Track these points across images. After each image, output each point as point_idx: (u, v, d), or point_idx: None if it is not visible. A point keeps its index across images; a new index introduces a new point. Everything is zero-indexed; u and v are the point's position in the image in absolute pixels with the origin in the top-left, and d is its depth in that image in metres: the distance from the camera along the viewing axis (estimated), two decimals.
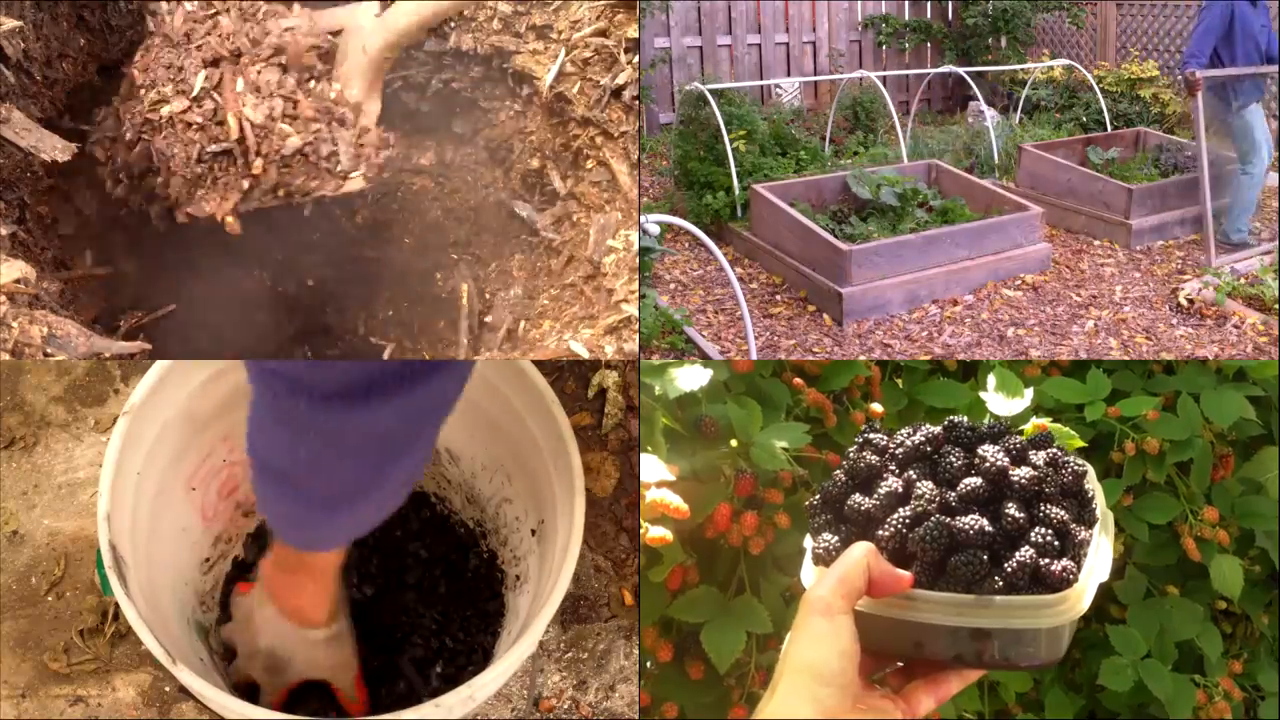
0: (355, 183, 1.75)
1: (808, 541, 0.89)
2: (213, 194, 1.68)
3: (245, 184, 1.68)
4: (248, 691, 1.51)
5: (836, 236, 3.06)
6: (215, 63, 1.70)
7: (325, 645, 1.46)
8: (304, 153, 1.69)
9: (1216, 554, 1.52)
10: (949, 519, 0.83)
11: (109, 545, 1.33)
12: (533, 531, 1.61)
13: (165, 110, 1.67)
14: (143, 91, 1.70)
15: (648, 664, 1.31)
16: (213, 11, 1.79)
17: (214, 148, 1.67)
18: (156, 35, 1.76)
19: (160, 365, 1.44)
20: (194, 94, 1.68)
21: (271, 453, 1.15)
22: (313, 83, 1.74)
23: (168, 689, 1.60)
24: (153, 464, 1.47)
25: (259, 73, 1.70)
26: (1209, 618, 1.60)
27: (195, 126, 1.66)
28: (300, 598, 1.42)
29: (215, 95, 1.68)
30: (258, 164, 1.67)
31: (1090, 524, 0.87)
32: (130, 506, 1.42)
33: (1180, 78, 3.30)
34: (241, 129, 1.65)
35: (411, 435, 1.14)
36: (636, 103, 1.91)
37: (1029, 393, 1.34)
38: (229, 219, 1.68)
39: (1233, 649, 1.70)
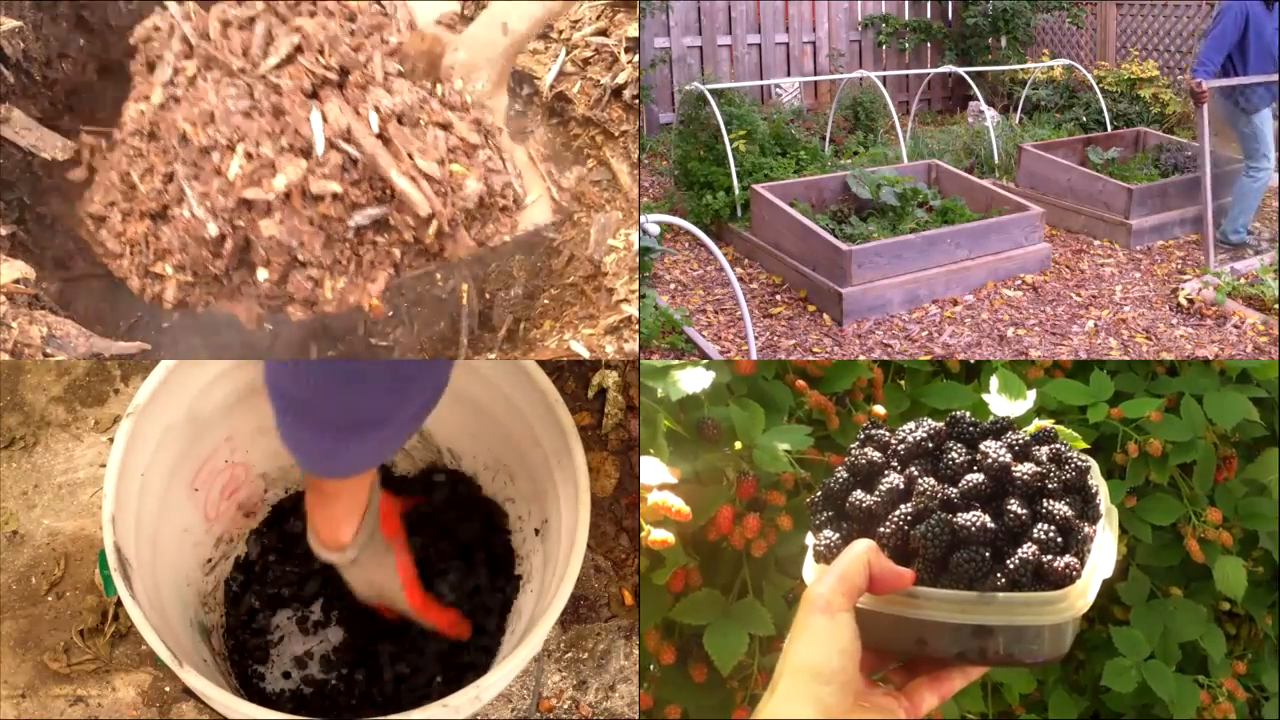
0: (539, 212, 1.35)
1: (809, 539, 0.89)
2: (357, 279, 1.26)
3: (397, 252, 1.27)
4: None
5: (836, 236, 3.05)
6: (315, 93, 1.23)
7: (353, 568, 1.47)
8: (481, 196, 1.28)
9: (1220, 555, 1.51)
10: (951, 516, 0.83)
11: (114, 547, 1.33)
12: (536, 531, 1.61)
13: (280, 182, 1.19)
14: (215, 156, 1.21)
15: (650, 666, 1.31)
16: (254, 12, 1.27)
17: (360, 219, 1.22)
18: (177, 60, 1.28)
19: (164, 366, 1.44)
20: (319, 152, 1.20)
21: (286, 381, 1.17)
22: (437, 86, 1.31)
23: (168, 689, 1.60)
24: (156, 465, 1.47)
25: (391, 95, 1.24)
26: (1212, 619, 1.60)
27: (331, 198, 1.20)
28: (319, 521, 1.43)
29: (345, 144, 1.20)
30: (431, 230, 1.24)
31: (1094, 520, 0.87)
32: (134, 508, 1.42)
33: (1183, 83, 3.28)
34: (421, 190, 1.20)
35: (424, 365, 1.16)
36: (636, 102, 1.90)
37: (1031, 394, 1.34)
38: (374, 302, 1.29)
39: (1236, 650, 1.70)
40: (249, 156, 1.20)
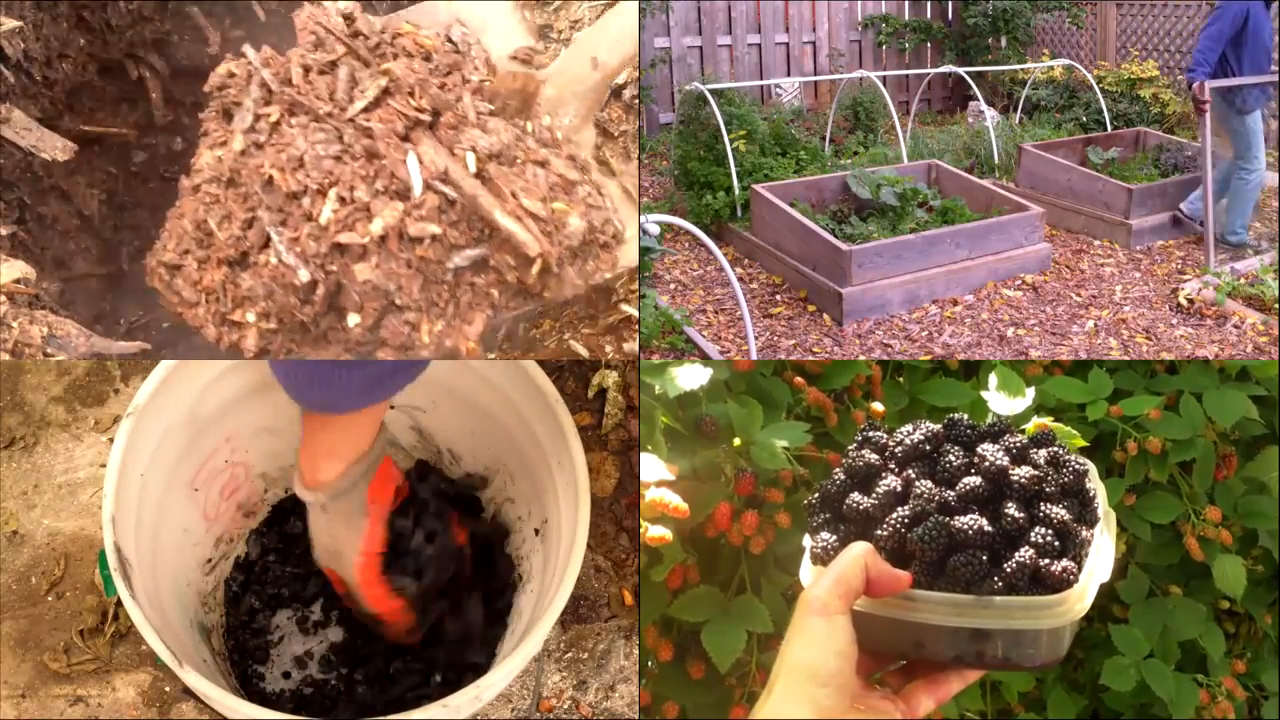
0: (630, 253, 1.33)
1: (806, 540, 0.89)
2: (454, 321, 1.24)
3: (495, 293, 1.25)
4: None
5: (836, 236, 3.05)
6: (407, 135, 1.22)
7: (321, 514, 1.40)
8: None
9: (1219, 553, 1.51)
10: (948, 519, 0.83)
11: (114, 547, 1.33)
12: (536, 531, 1.61)
13: (377, 225, 1.17)
14: (305, 201, 1.20)
15: (649, 663, 1.31)
16: (335, 56, 1.27)
17: (459, 261, 1.20)
18: (258, 106, 1.27)
19: (164, 366, 1.44)
20: (416, 194, 1.18)
21: None
22: (528, 123, 1.30)
23: (168, 689, 1.60)
24: (156, 465, 1.47)
25: (486, 135, 1.22)
26: (1212, 617, 1.60)
27: (430, 240, 1.19)
28: (303, 452, 1.36)
29: (443, 185, 1.19)
30: (534, 270, 1.22)
31: (1092, 523, 0.87)
32: (134, 508, 1.42)
33: (1185, 88, 3.27)
34: (529, 229, 1.19)
35: None
36: (636, 102, 1.91)
37: (1031, 392, 1.34)
38: (470, 345, 1.26)
39: (1235, 649, 1.70)
40: (342, 200, 1.19)
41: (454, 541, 1.54)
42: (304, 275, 1.20)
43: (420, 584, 1.48)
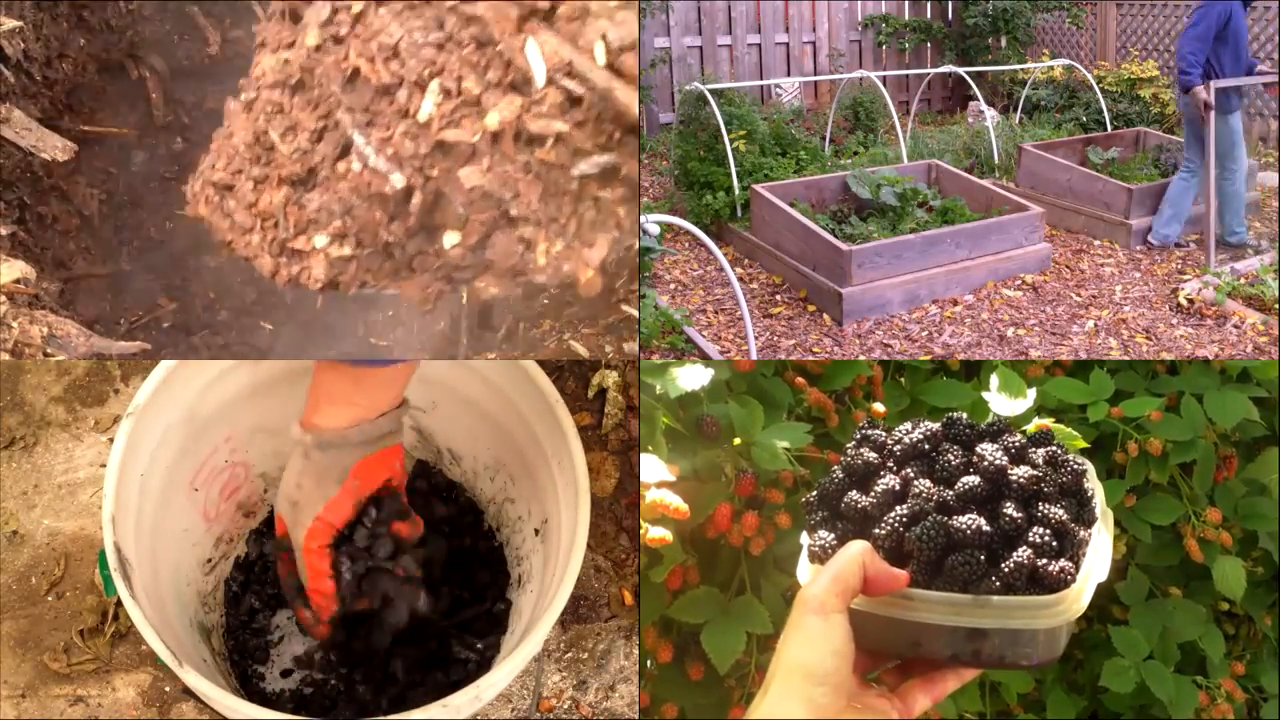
0: None
1: (804, 539, 0.89)
2: (574, 242, 1.07)
3: (622, 211, 1.07)
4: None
5: (837, 236, 3.05)
6: (519, 28, 1.03)
7: (299, 459, 1.37)
8: None
9: (1219, 555, 1.51)
10: (946, 518, 0.83)
11: (114, 547, 1.33)
12: (536, 531, 1.61)
13: (493, 119, 1.00)
14: (401, 95, 1.02)
15: (648, 664, 1.31)
16: None
17: (585, 168, 1.03)
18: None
19: (164, 366, 1.44)
20: (538, 86, 1.00)
21: None
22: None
23: (168, 689, 1.60)
24: (156, 465, 1.47)
25: (616, 25, 1.02)
26: (1211, 619, 1.60)
27: (552, 140, 1.01)
28: (309, 394, 1.33)
29: (568, 80, 1.00)
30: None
31: (1089, 523, 0.87)
32: (134, 508, 1.42)
33: (1181, 93, 3.25)
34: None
35: None
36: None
37: (1031, 393, 1.34)
38: (590, 273, 1.09)
39: (1235, 650, 1.70)
40: (447, 93, 1.01)
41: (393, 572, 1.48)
42: (398, 180, 1.02)
43: (353, 572, 1.42)
